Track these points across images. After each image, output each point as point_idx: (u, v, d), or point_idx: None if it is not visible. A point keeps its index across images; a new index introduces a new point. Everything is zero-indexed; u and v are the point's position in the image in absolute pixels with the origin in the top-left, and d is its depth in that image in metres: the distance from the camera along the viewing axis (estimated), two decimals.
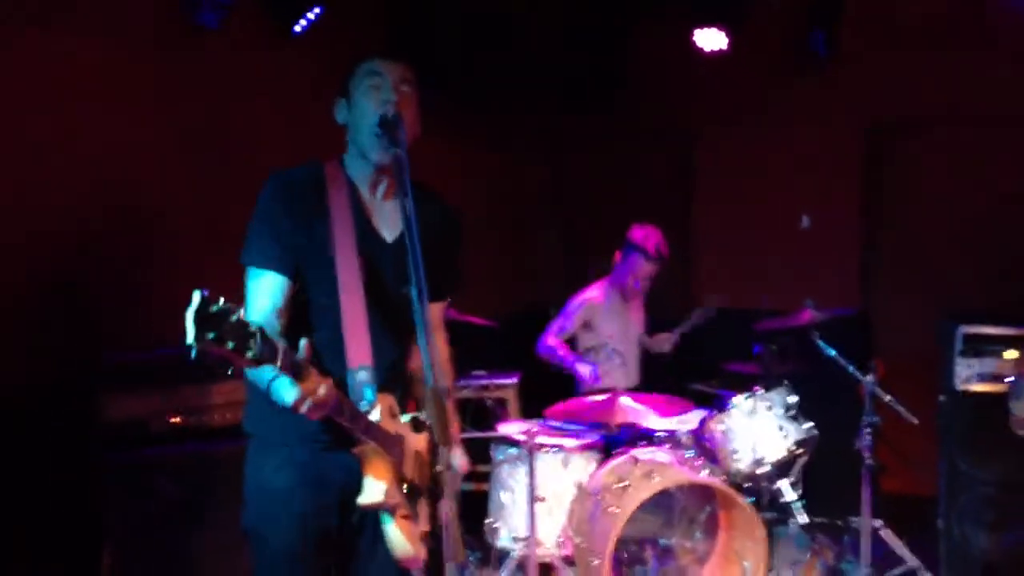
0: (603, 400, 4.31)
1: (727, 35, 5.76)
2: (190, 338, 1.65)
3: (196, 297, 1.66)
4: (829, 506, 4.63)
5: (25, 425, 3.43)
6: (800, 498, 4.22)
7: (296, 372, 1.95)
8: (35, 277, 3.61)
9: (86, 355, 3.50)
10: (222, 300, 1.70)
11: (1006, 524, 4.27)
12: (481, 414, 5.36)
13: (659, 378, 5.14)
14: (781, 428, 4.20)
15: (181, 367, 3.48)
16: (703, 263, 6.68)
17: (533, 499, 3.84)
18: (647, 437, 4.28)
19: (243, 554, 2.49)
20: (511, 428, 4.26)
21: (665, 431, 4.31)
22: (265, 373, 2.07)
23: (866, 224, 6.29)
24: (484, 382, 5.51)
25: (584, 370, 4.77)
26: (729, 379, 5.11)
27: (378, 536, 2.32)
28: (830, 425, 4.34)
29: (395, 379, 2.45)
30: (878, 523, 4.41)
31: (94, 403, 3.44)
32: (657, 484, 3.72)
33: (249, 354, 1.76)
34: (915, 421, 4.24)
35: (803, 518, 4.19)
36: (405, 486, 2.33)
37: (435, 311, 2.58)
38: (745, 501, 3.78)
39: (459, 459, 2.65)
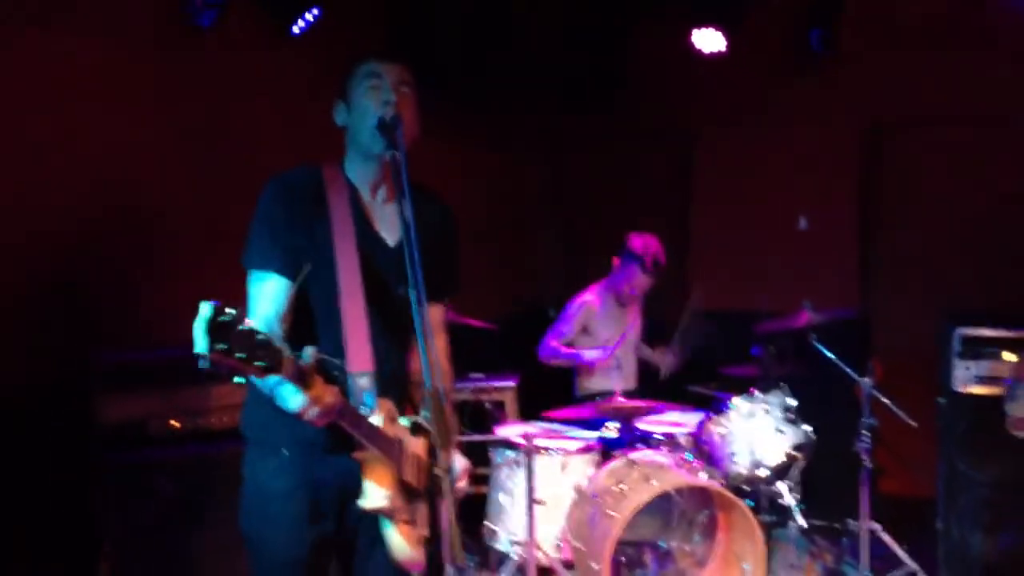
0: (601, 403, 4.31)
1: (726, 35, 5.76)
2: (203, 349, 1.64)
3: (206, 308, 1.65)
4: (828, 508, 4.62)
5: (24, 425, 3.44)
6: (799, 501, 4.22)
7: (302, 379, 1.95)
8: (35, 277, 3.62)
9: (85, 355, 3.50)
10: (230, 310, 1.69)
11: (1004, 525, 4.27)
12: (479, 416, 5.35)
13: (657, 381, 5.14)
14: (779, 430, 4.20)
15: (180, 367, 3.48)
16: (702, 263, 6.67)
17: (532, 502, 3.84)
18: (645, 440, 4.28)
19: (242, 555, 2.49)
20: (510, 431, 4.26)
21: (663, 434, 4.32)
22: (270, 379, 2.07)
23: (865, 224, 6.27)
24: (482, 384, 5.49)
25: (592, 354, 4.77)
26: (727, 381, 5.09)
27: (377, 538, 2.32)
28: (828, 427, 4.34)
29: (394, 383, 2.44)
30: (877, 525, 4.41)
31: (93, 403, 3.44)
32: (656, 487, 3.72)
33: (258, 364, 1.76)
34: (913, 424, 4.25)
35: (802, 520, 4.19)
36: (404, 490, 2.32)
37: (435, 313, 2.57)
38: (744, 504, 3.78)
39: (459, 462, 2.65)
